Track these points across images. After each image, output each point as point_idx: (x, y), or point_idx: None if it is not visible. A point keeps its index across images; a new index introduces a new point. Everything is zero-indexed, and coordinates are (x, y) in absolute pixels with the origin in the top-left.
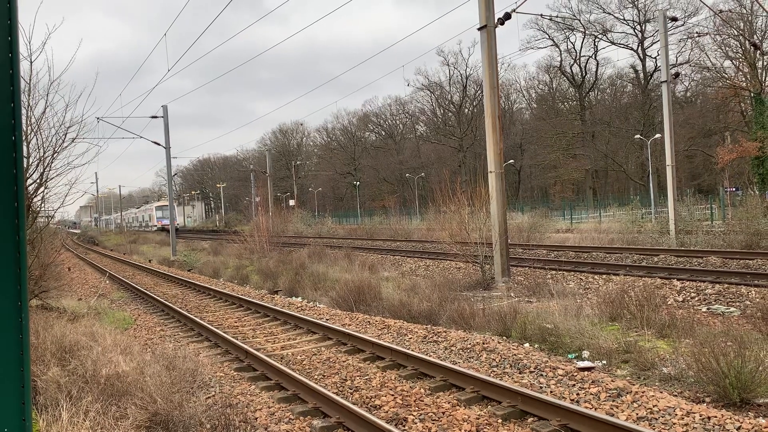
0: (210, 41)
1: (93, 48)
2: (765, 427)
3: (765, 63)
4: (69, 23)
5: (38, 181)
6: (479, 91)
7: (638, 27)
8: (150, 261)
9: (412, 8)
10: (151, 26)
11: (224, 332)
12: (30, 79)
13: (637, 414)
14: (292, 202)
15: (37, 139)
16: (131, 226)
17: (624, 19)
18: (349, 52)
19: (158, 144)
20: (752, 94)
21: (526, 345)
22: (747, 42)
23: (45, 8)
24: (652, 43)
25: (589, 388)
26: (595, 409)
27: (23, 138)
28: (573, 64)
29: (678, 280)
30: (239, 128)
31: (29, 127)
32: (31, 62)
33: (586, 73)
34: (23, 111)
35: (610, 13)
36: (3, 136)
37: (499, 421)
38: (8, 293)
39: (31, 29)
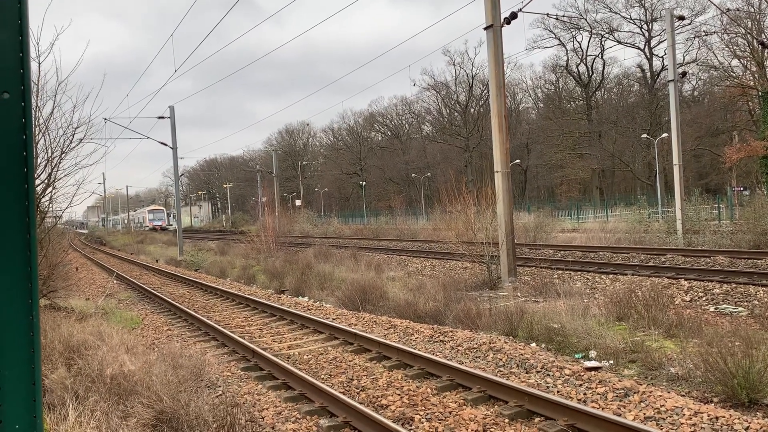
0: (205, 42)
1: (92, 49)
2: None
3: None
4: (61, 24)
5: (46, 181)
6: (485, 91)
7: (645, 26)
8: (157, 261)
9: (408, 7)
10: (147, 28)
11: (231, 332)
12: (38, 80)
13: (644, 414)
14: (298, 203)
15: (45, 140)
16: (129, 226)
17: (631, 18)
18: (347, 51)
19: (165, 144)
20: (760, 93)
21: (533, 345)
22: (755, 41)
23: (51, 10)
24: (659, 42)
25: (596, 388)
26: (603, 409)
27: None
28: (579, 64)
29: (685, 279)
30: (243, 130)
31: (37, 128)
32: (39, 63)
33: (592, 72)
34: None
35: (616, 13)
36: (14, 135)
37: (506, 420)
38: (19, 291)
39: (39, 31)
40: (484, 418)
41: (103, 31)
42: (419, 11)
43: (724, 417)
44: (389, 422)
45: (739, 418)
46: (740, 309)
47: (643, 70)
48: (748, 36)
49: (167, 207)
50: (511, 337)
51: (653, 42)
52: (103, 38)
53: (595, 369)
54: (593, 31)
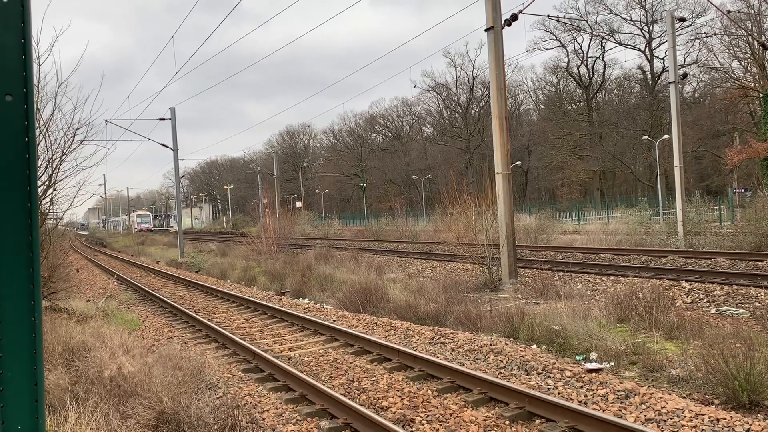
0: (189, 44)
1: (78, 50)
2: None
3: None
4: (60, 25)
5: (47, 183)
6: (486, 93)
7: (645, 28)
8: (158, 263)
9: (390, 9)
10: (130, 28)
11: (232, 333)
12: (38, 82)
13: (645, 416)
14: (299, 204)
15: (45, 142)
16: (124, 228)
17: (631, 20)
18: (333, 51)
19: (166, 146)
20: (761, 95)
21: (534, 347)
22: (755, 42)
23: (51, 11)
24: (660, 44)
25: (597, 390)
26: (603, 410)
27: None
28: (580, 65)
29: (686, 281)
30: (241, 132)
31: (38, 130)
32: (39, 65)
33: (593, 74)
34: None
35: (617, 14)
36: (17, 137)
37: (507, 422)
38: (22, 292)
39: (39, 32)
40: (485, 420)
41: (88, 32)
42: (401, 12)
43: (725, 419)
44: (390, 424)
45: (740, 420)
46: (741, 311)
47: (643, 72)
48: (749, 37)
49: (168, 208)
50: (511, 339)
51: (654, 44)
52: (87, 39)
53: (596, 371)
54: (594, 32)
